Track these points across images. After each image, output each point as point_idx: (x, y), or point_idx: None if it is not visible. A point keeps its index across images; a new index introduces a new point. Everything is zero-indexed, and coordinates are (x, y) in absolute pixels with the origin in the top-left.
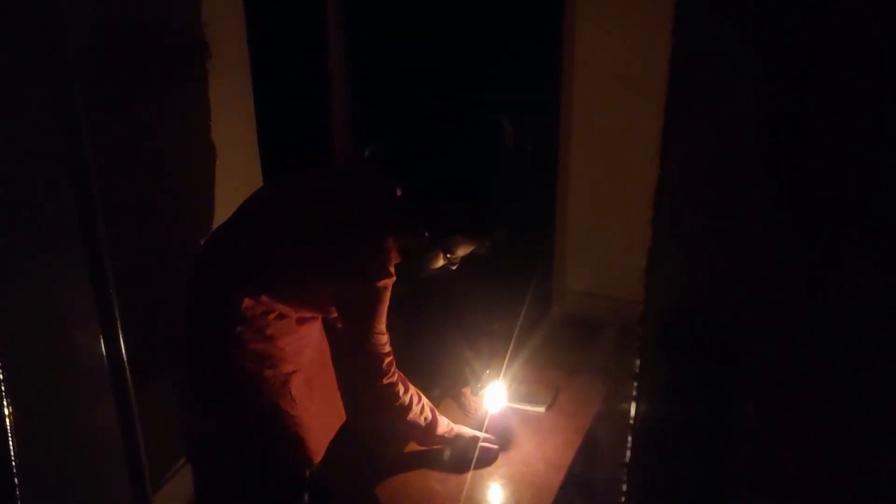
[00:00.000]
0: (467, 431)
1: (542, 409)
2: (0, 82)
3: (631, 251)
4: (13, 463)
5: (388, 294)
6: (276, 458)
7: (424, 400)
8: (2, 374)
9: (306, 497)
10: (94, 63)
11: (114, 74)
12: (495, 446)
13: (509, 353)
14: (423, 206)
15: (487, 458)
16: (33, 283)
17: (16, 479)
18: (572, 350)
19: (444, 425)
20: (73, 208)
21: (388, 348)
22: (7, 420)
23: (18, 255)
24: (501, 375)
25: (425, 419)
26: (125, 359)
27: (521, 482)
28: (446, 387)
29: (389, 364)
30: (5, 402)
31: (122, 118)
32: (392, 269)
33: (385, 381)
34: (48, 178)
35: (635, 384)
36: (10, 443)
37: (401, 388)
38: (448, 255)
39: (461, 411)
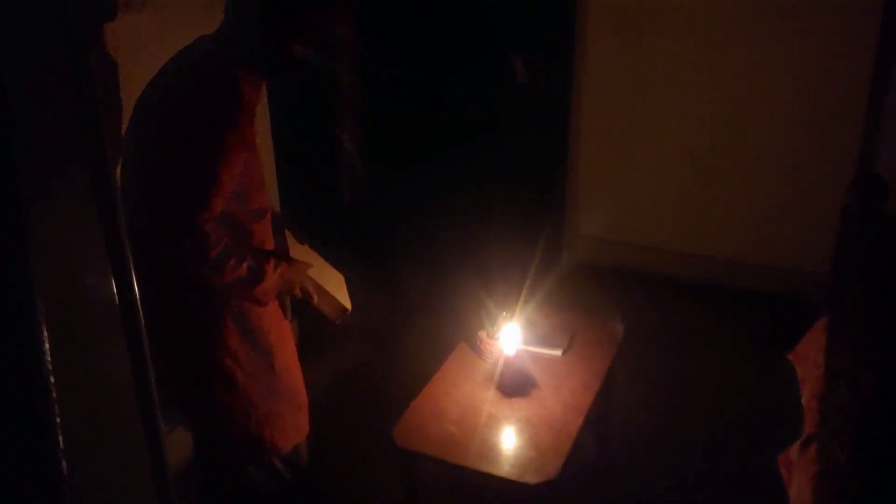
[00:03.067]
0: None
1: (558, 353)
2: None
3: (643, 196)
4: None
5: (231, 148)
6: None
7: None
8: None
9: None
10: None
11: None
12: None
13: (523, 296)
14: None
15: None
16: (42, 224)
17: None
18: (586, 294)
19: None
20: (84, 151)
21: (219, 231)
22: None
23: (28, 197)
24: (516, 318)
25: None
26: (137, 300)
27: (540, 425)
28: (462, 330)
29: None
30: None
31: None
32: (243, 108)
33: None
34: (56, 122)
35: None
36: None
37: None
38: (307, 36)
39: (477, 354)
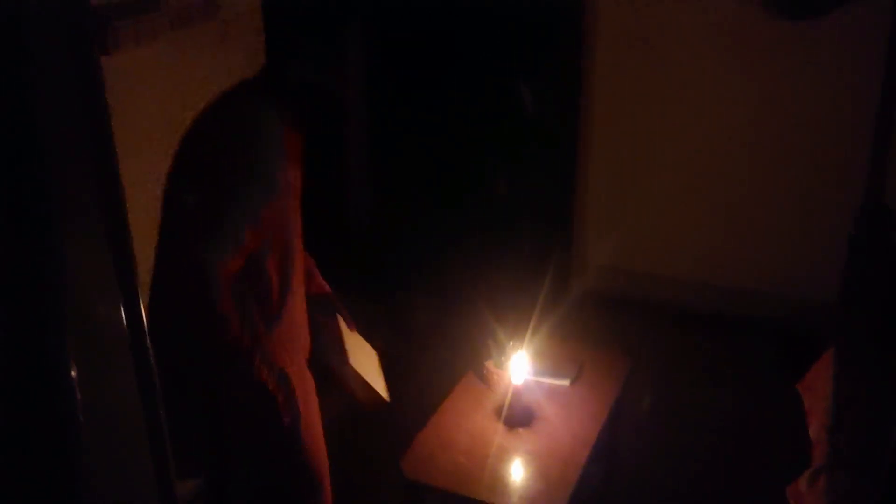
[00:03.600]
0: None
1: (566, 383)
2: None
3: (651, 224)
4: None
5: (252, 193)
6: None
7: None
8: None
9: None
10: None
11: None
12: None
13: (532, 326)
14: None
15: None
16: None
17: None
18: (594, 324)
19: None
20: (94, 178)
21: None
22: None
23: (38, 225)
24: (524, 348)
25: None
26: (146, 327)
27: (548, 456)
28: (469, 360)
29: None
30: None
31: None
32: (268, 152)
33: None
34: (68, 148)
35: None
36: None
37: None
38: (335, 69)
39: (484, 385)
